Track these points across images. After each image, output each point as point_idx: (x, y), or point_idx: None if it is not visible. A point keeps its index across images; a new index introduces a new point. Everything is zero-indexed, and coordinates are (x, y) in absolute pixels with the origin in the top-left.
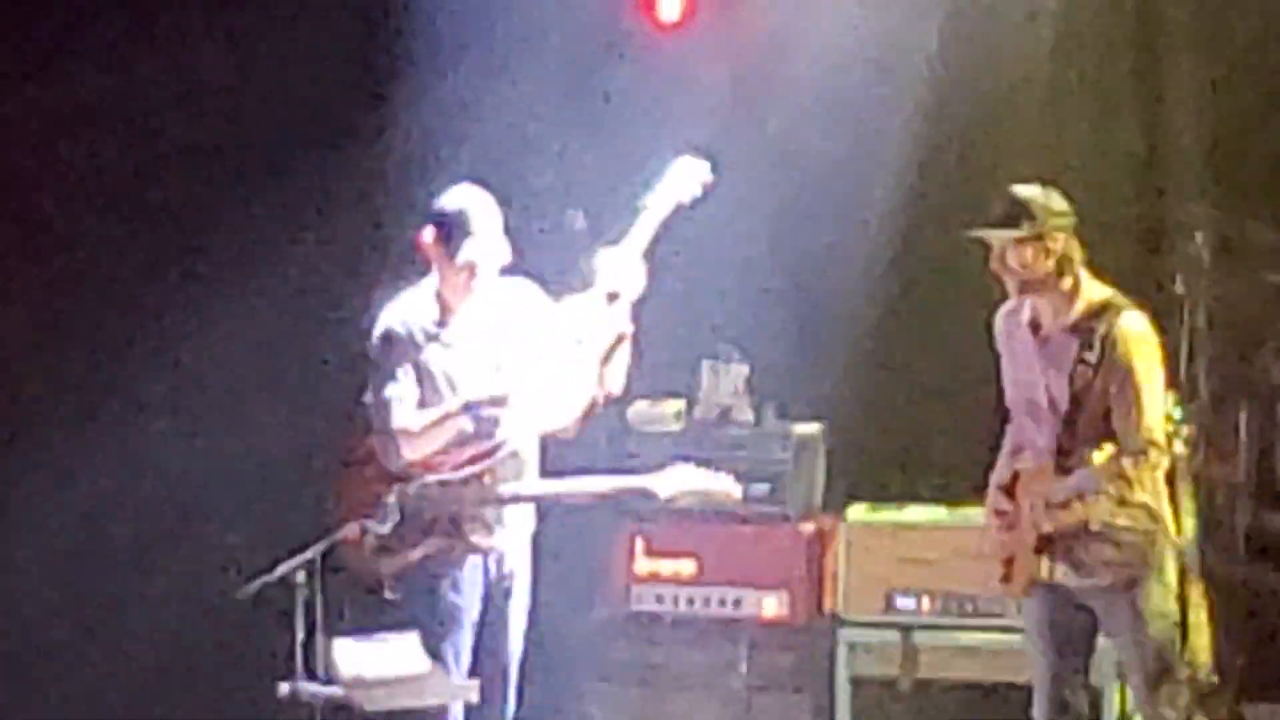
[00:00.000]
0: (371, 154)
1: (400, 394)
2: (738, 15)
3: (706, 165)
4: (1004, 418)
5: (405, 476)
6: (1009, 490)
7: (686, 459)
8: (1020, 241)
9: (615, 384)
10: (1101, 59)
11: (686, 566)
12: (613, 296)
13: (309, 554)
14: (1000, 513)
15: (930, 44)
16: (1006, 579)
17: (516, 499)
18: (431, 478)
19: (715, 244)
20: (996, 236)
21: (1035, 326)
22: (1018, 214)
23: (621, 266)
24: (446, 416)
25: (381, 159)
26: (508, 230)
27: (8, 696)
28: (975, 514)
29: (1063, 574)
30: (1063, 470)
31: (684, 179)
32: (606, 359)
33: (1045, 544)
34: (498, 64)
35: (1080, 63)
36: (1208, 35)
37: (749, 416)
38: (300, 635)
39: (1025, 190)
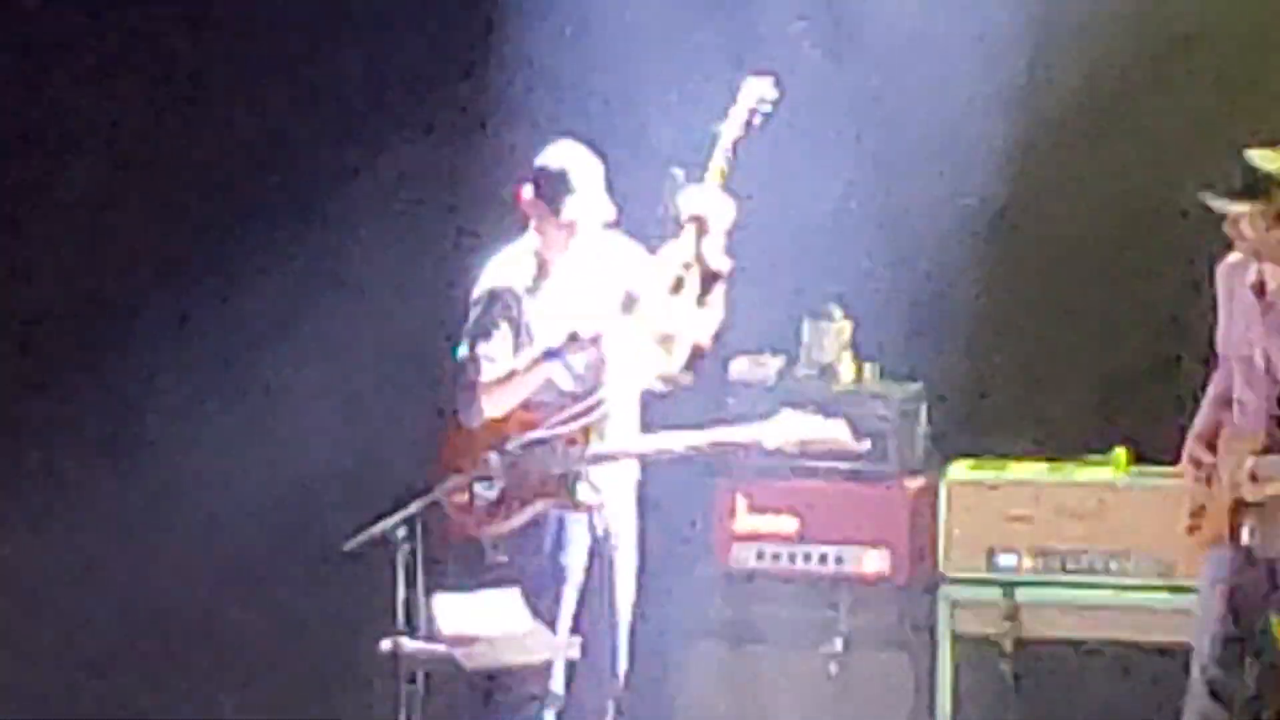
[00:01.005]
0: (472, 109)
1: (493, 351)
2: None
3: (771, 82)
4: (1208, 367)
5: (505, 437)
6: (1208, 440)
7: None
8: (1256, 211)
9: (712, 324)
10: None
11: (788, 524)
12: (702, 230)
13: (411, 510)
14: (1197, 462)
15: None
16: (1193, 530)
17: (620, 455)
18: (533, 435)
19: (818, 200)
20: (1231, 209)
21: (1260, 289)
22: (1256, 185)
23: (705, 198)
24: (534, 363)
25: (482, 114)
26: (609, 187)
27: (116, 652)
28: (1077, 471)
29: (1253, 537)
30: (1274, 440)
31: (751, 99)
32: (703, 299)
33: (1241, 507)
34: (598, 17)
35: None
36: None
37: (851, 373)
38: (402, 592)
39: (1265, 161)
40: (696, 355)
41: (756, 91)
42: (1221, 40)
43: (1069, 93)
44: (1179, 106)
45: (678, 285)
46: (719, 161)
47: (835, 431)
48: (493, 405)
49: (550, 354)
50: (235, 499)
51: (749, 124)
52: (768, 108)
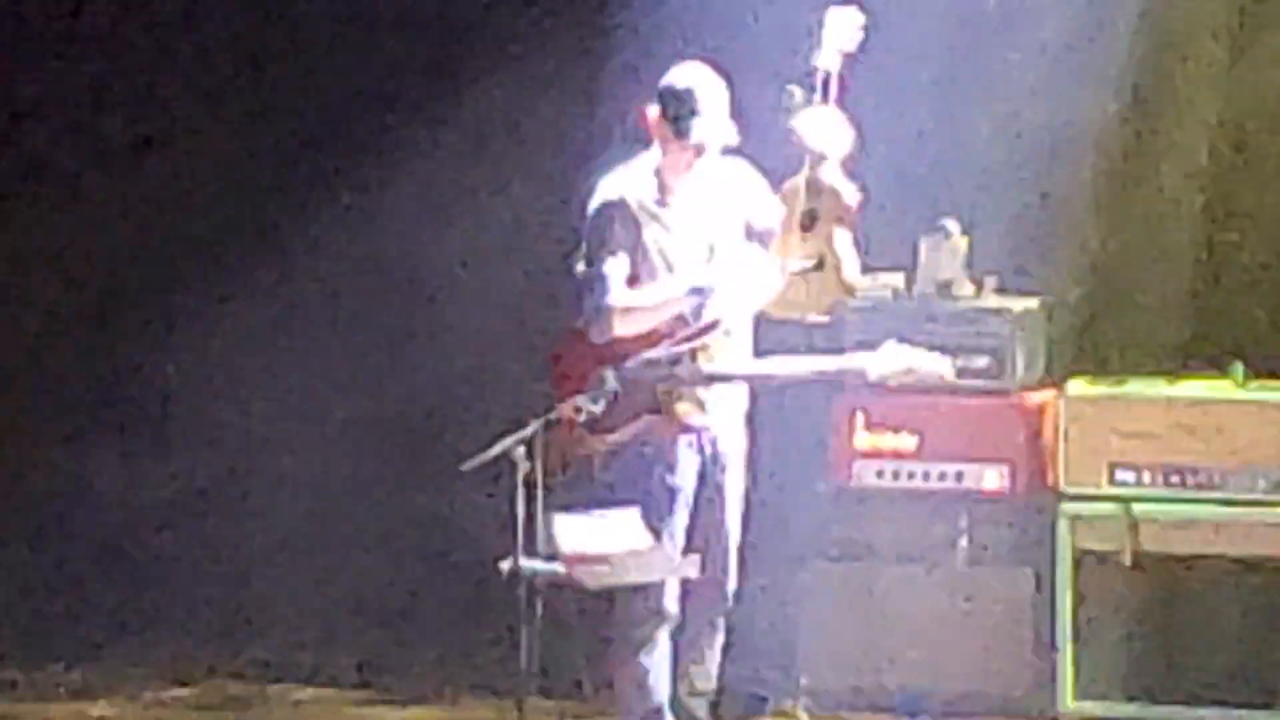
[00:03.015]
0: (597, 27)
1: (616, 269)
2: None
3: (856, 9)
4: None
5: (619, 354)
6: None
7: (903, 335)
8: None
9: (853, 271)
10: None
11: (907, 441)
12: (819, 159)
13: (528, 430)
14: None
15: None
16: None
17: (729, 378)
18: (645, 355)
19: (935, 117)
20: None
21: None
22: None
23: (820, 127)
24: (668, 302)
25: (608, 32)
26: (732, 108)
27: (232, 575)
28: (1196, 386)
29: None
30: None
31: (841, 30)
32: (840, 230)
33: None
34: None
35: None
36: None
37: (969, 290)
38: (521, 511)
39: None
40: (849, 290)
41: (842, 22)
42: None
43: (1189, 7)
44: None
45: (810, 222)
46: (821, 94)
47: (938, 365)
48: (623, 326)
49: (696, 291)
50: (352, 420)
51: (844, 54)
52: (859, 34)
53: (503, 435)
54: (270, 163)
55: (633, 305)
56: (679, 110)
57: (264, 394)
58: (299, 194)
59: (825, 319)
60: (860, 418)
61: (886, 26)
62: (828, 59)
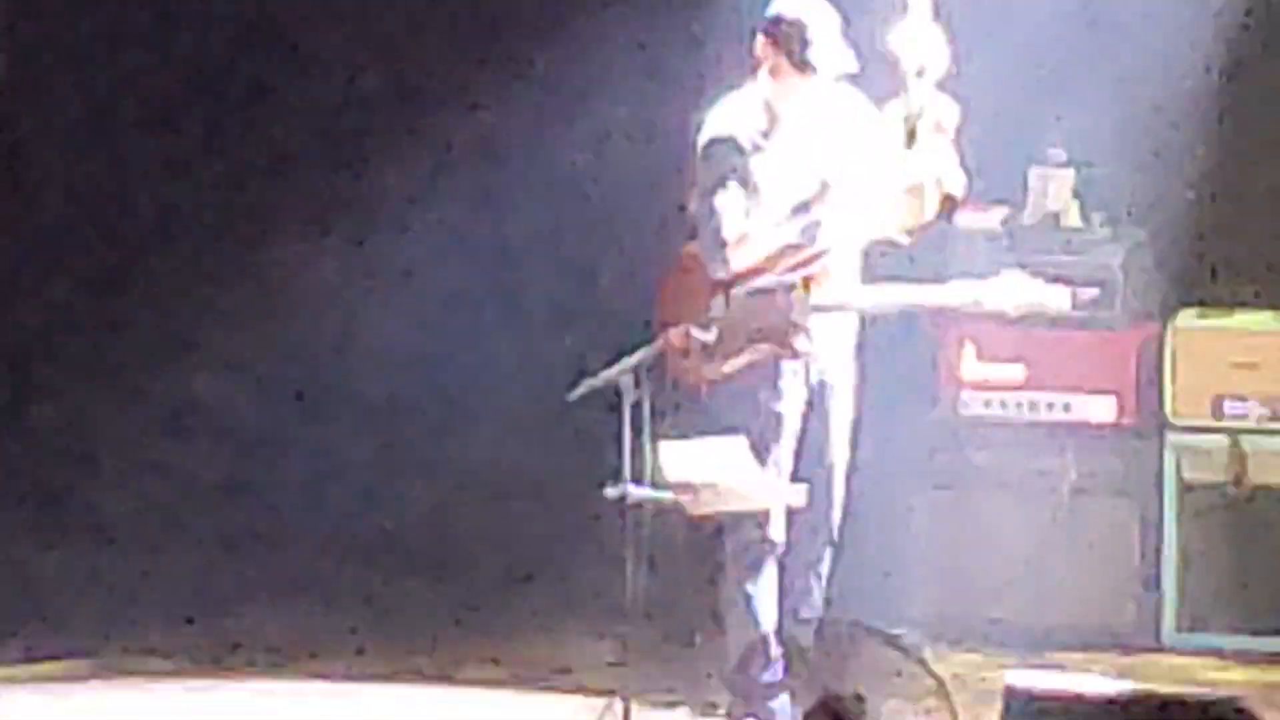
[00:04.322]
0: None
1: (729, 203)
2: None
3: None
4: None
5: (730, 283)
6: None
7: (1013, 265)
8: None
9: (958, 173)
10: None
11: (1015, 372)
12: (919, 73)
13: (636, 359)
14: None
15: None
16: None
17: (839, 307)
18: (755, 284)
19: (1043, 49)
20: None
21: None
22: None
23: (917, 39)
24: (784, 220)
25: None
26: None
27: (340, 500)
28: None
29: None
30: None
31: None
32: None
33: None
34: None
35: None
36: None
37: (1077, 222)
38: (628, 440)
39: None
40: (948, 205)
41: None
42: None
43: None
44: None
45: (910, 138)
46: (923, 7)
47: (1053, 296)
48: (739, 259)
49: (800, 209)
50: (460, 346)
51: None
52: None
53: (610, 363)
54: (412, 78)
55: (742, 234)
56: (791, 40)
57: (379, 320)
58: (415, 115)
59: (909, 240)
60: (969, 348)
61: None
62: None
